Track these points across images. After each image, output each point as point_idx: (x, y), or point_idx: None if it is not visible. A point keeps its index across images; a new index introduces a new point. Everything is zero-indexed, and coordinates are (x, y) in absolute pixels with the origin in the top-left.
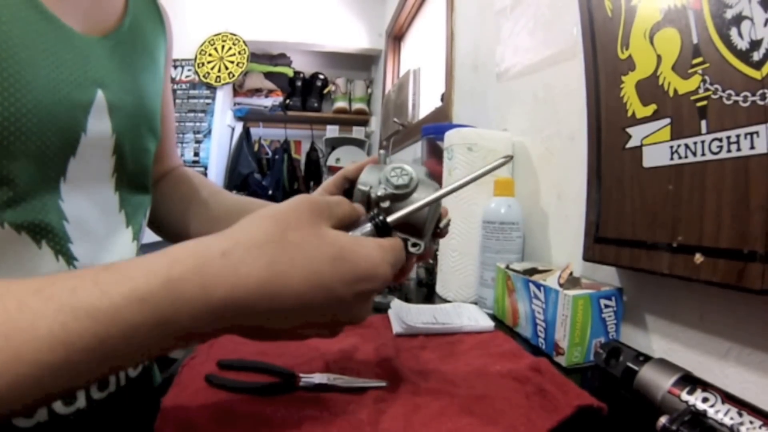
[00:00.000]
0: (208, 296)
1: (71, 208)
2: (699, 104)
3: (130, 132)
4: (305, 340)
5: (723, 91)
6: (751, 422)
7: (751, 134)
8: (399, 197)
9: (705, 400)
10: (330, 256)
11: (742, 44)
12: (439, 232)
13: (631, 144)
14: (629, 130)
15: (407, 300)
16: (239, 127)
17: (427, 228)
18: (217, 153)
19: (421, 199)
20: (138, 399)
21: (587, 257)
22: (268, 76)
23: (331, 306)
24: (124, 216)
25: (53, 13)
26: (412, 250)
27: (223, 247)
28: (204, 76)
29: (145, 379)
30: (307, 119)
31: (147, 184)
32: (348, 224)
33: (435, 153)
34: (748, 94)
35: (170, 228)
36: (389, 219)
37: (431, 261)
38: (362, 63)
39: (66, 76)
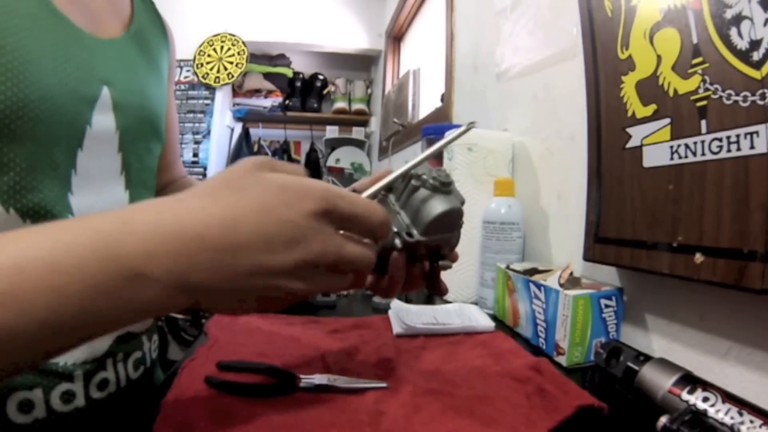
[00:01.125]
0: (160, 221)
1: (79, 202)
2: (699, 104)
3: (133, 130)
4: (281, 297)
5: (723, 90)
6: (751, 421)
7: (751, 134)
8: (436, 188)
9: (705, 399)
10: (274, 188)
11: (742, 44)
12: (437, 267)
13: (631, 144)
14: (629, 130)
15: (407, 300)
16: (238, 128)
17: (430, 223)
18: (216, 153)
19: (442, 201)
20: (138, 400)
21: (587, 257)
22: (268, 76)
23: (288, 234)
24: None
25: (63, 13)
26: (396, 241)
27: (178, 196)
28: (203, 77)
29: (146, 381)
30: (306, 120)
31: (153, 185)
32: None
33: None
34: (748, 93)
35: None
36: (365, 194)
37: (388, 297)
38: (362, 63)
39: (73, 70)
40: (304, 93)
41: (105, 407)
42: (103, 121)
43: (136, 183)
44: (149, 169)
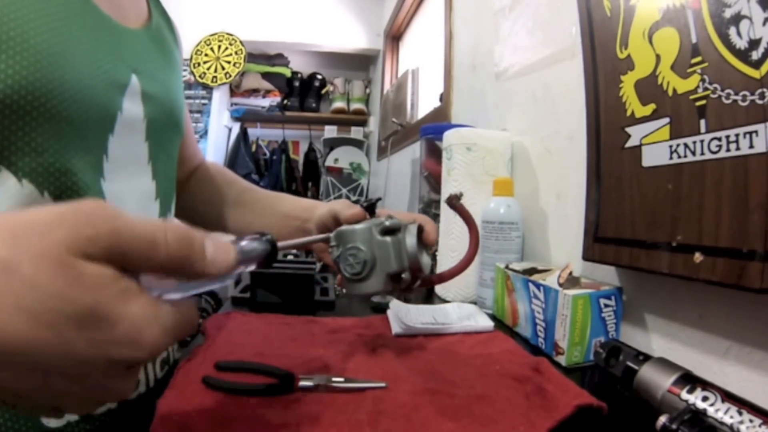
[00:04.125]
0: None
1: (111, 188)
2: (698, 103)
3: (159, 121)
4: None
5: (722, 90)
6: (750, 420)
7: (750, 133)
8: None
9: (705, 398)
10: (81, 308)
11: (741, 43)
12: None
13: (630, 143)
14: (628, 129)
15: (406, 300)
16: (236, 128)
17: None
18: (213, 154)
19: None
20: None
21: (587, 257)
22: (266, 76)
23: (72, 367)
24: (159, 205)
25: (93, 1)
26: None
27: None
28: (200, 77)
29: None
30: (305, 119)
31: (175, 176)
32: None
33: (434, 153)
34: (747, 93)
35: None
36: (279, 244)
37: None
38: (360, 63)
39: (104, 55)
40: (302, 93)
41: (134, 408)
42: (133, 108)
43: (161, 174)
44: (172, 160)
